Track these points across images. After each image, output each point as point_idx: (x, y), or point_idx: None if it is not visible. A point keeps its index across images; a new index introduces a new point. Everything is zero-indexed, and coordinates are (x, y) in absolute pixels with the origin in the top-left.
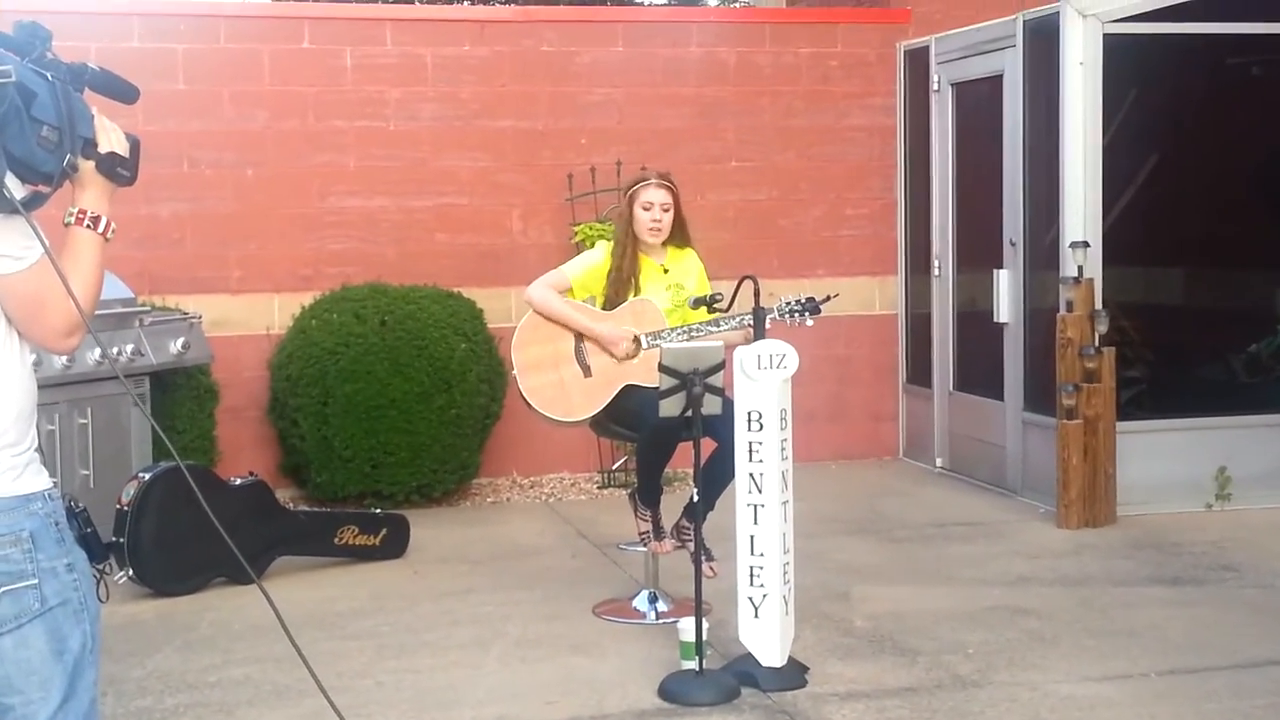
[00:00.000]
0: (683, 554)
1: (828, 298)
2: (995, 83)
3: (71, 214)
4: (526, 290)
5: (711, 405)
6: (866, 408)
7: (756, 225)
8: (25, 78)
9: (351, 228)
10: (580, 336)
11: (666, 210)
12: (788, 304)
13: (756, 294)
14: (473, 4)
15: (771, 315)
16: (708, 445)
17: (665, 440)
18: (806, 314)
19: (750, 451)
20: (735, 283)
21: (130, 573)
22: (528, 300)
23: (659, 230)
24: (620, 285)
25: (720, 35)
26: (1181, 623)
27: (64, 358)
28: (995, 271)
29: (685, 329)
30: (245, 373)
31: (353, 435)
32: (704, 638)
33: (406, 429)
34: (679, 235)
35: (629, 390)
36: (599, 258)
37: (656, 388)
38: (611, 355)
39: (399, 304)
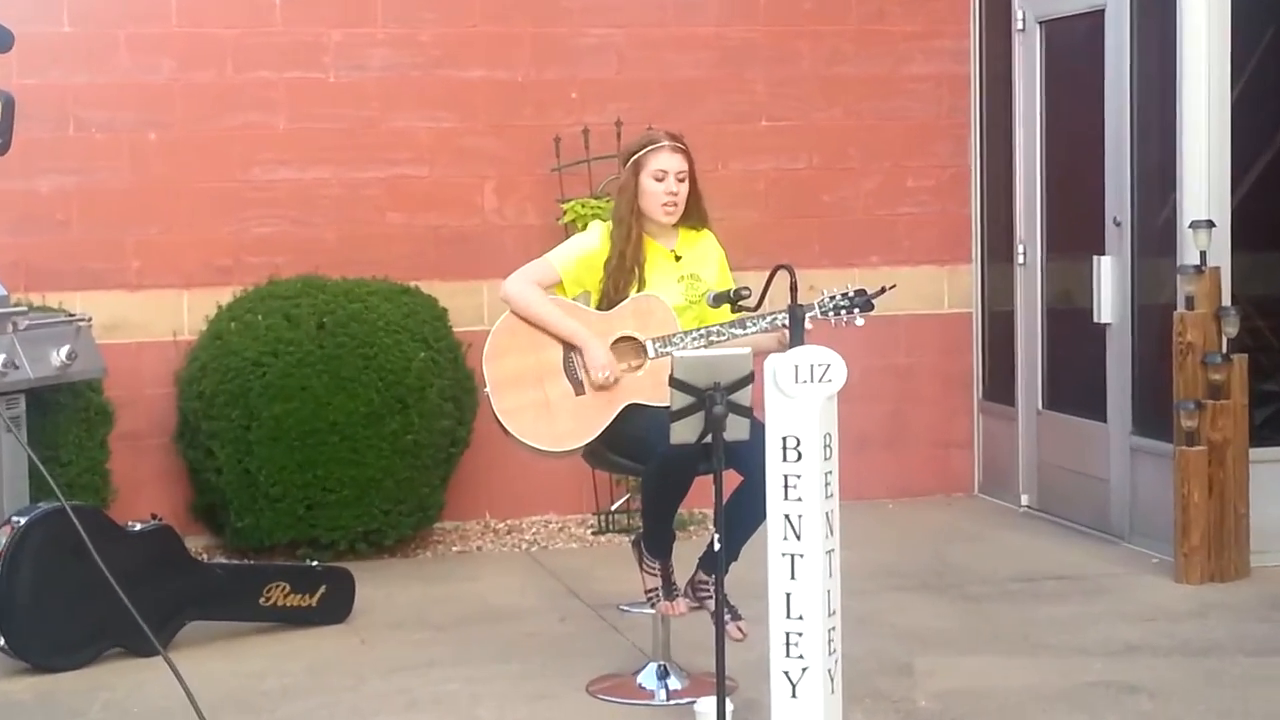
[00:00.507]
0: (700, 616)
1: (882, 290)
2: (1095, 19)
3: None
4: (503, 285)
5: (736, 429)
6: (932, 431)
7: (793, 201)
8: None
9: (281, 206)
10: (570, 345)
11: (682, 181)
12: (832, 299)
13: (793, 287)
14: None
15: (812, 313)
16: (731, 479)
17: (678, 473)
18: (856, 311)
19: (786, 487)
20: (766, 274)
21: (1, 642)
22: (504, 298)
23: (673, 207)
24: (621, 277)
25: None
26: None
27: None
28: (1095, 259)
29: (703, 332)
30: (147, 389)
31: (283, 468)
32: None
33: (351, 460)
34: (694, 214)
35: (632, 411)
36: (594, 243)
37: (667, 407)
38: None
39: (341, 302)
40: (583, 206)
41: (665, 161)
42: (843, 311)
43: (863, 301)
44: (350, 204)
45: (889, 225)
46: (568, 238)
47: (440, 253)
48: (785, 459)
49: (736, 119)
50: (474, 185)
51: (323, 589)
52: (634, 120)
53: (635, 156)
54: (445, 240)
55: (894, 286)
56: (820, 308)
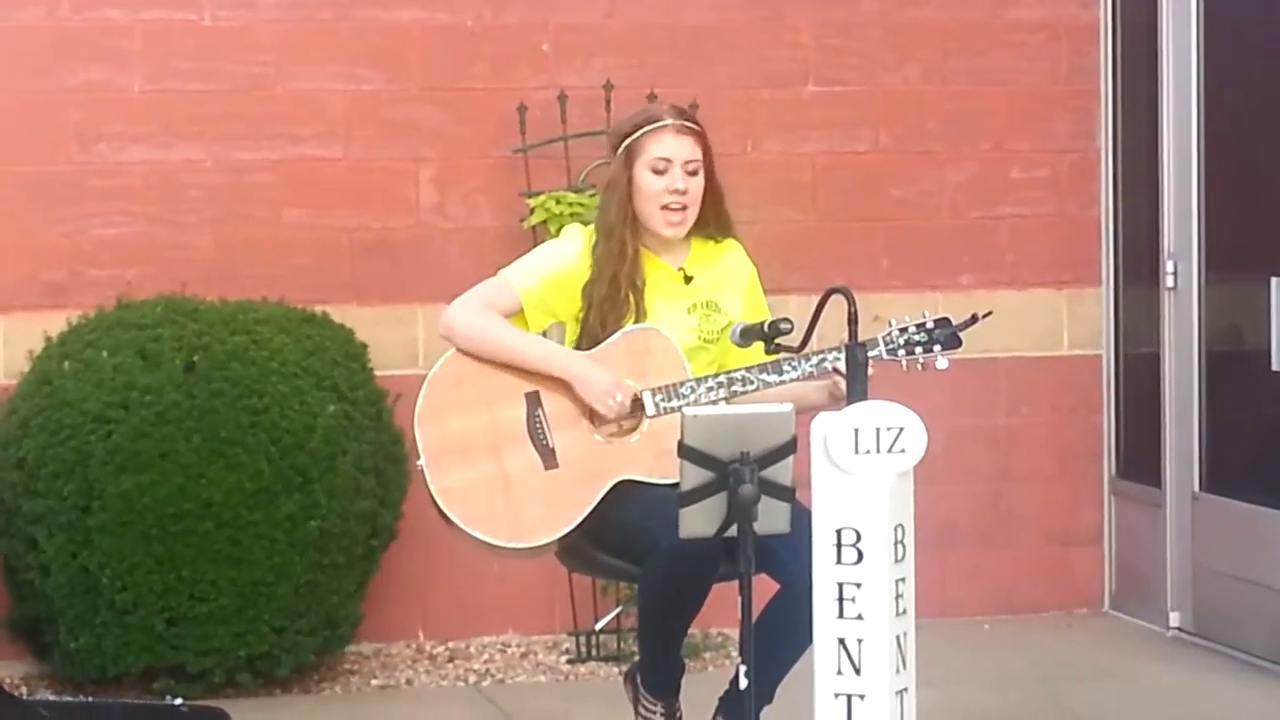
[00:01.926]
0: None
1: (974, 319)
2: None
3: None
4: (445, 312)
5: (772, 518)
6: (1046, 522)
7: (851, 197)
8: None
9: (136, 199)
10: (537, 396)
11: (693, 172)
12: (904, 332)
13: (852, 318)
14: None
15: (877, 353)
16: (764, 587)
17: (689, 580)
18: (937, 350)
19: (840, 600)
20: (814, 300)
21: None
22: (445, 330)
23: (680, 212)
24: (609, 307)
25: None
26: None
27: None
28: (1274, 281)
29: (724, 380)
30: None
31: (135, 567)
32: None
33: (230, 555)
34: (712, 219)
35: (625, 492)
36: (571, 256)
37: (673, 486)
38: (594, 427)
39: (218, 334)
40: (557, 203)
41: (669, 147)
42: (919, 350)
43: (946, 336)
44: (232, 196)
45: (985, 232)
46: (535, 246)
47: (358, 266)
48: (840, 561)
49: (773, 82)
50: (405, 172)
51: None
52: (629, 83)
53: (628, 140)
54: (365, 249)
55: (990, 315)
56: (888, 345)
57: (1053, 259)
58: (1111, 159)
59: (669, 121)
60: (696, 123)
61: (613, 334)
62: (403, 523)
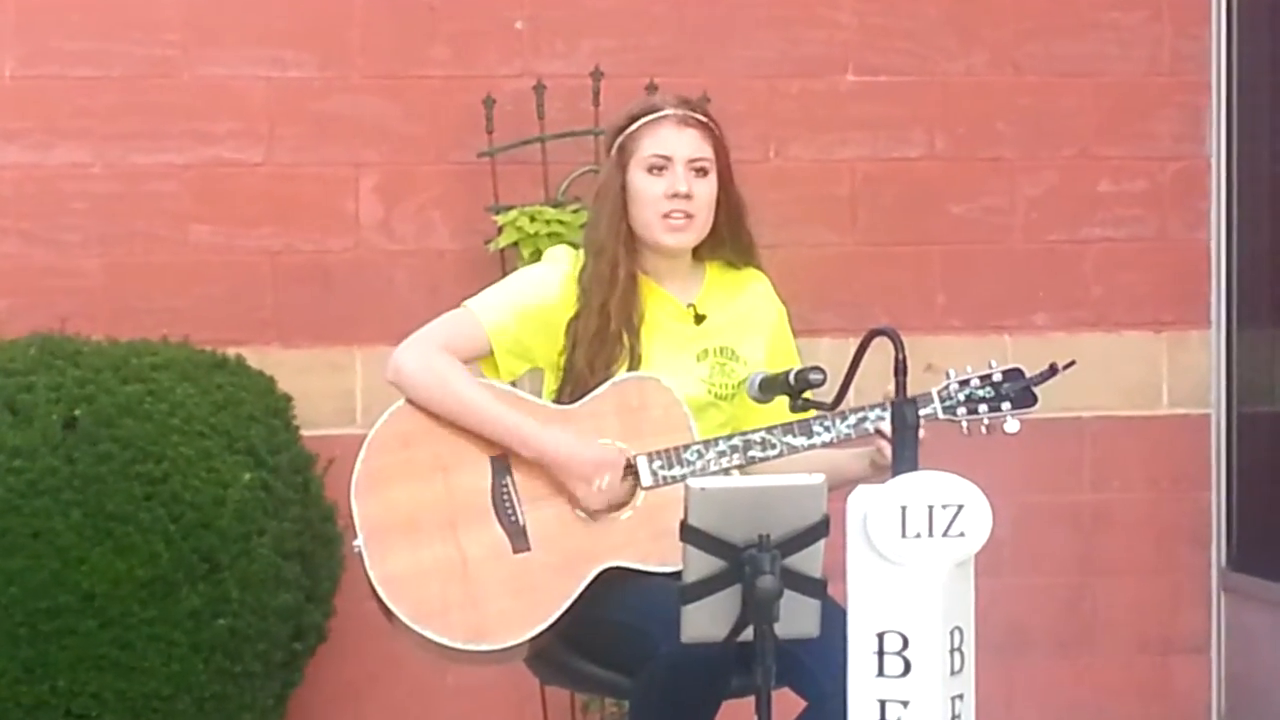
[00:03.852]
0: None
1: (1053, 370)
2: None
3: None
4: (395, 353)
5: (798, 618)
6: (1140, 624)
7: (900, 215)
8: None
9: (3, 211)
10: (505, 461)
11: (702, 173)
12: (964, 385)
13: (900, 367)
14: None
15: (930, 412)
16: (785, 705)
17: (693, 694)
18: (1006, 408)
19: None
20: (852, 344)
21: None
22: (394, 375)
23: (683, 219)
24: (599, 344)
25: None
26: None
27: None
28: None
29: (739, 443)
30: None
31: None
32: None
33: (118, 662)
34: (730, 237)
35: (612, 582)
36: (553, 287)
37: (674, 575)
38: (574, 502)
39: (106, 382)
40: (531, 220)
41: (669, 140)
42: (983, 409)
43: (1018, 392)
44: (126, 209)
45: (1067, 260)
46: (503, 273)
47: (282, 298)
48: (882, 673)
49: (803, 70)
50: (343, 180)
51: None
52: (622, 71)
53: (621, 136)
54: (292, 276)
55: (1073, 365)
56: (945, 402)
57: (1151, 294)
58: (1225, 169)
59: (669, 111)
60: (707, 114)
61: (602, 382)
62: (334, 621)
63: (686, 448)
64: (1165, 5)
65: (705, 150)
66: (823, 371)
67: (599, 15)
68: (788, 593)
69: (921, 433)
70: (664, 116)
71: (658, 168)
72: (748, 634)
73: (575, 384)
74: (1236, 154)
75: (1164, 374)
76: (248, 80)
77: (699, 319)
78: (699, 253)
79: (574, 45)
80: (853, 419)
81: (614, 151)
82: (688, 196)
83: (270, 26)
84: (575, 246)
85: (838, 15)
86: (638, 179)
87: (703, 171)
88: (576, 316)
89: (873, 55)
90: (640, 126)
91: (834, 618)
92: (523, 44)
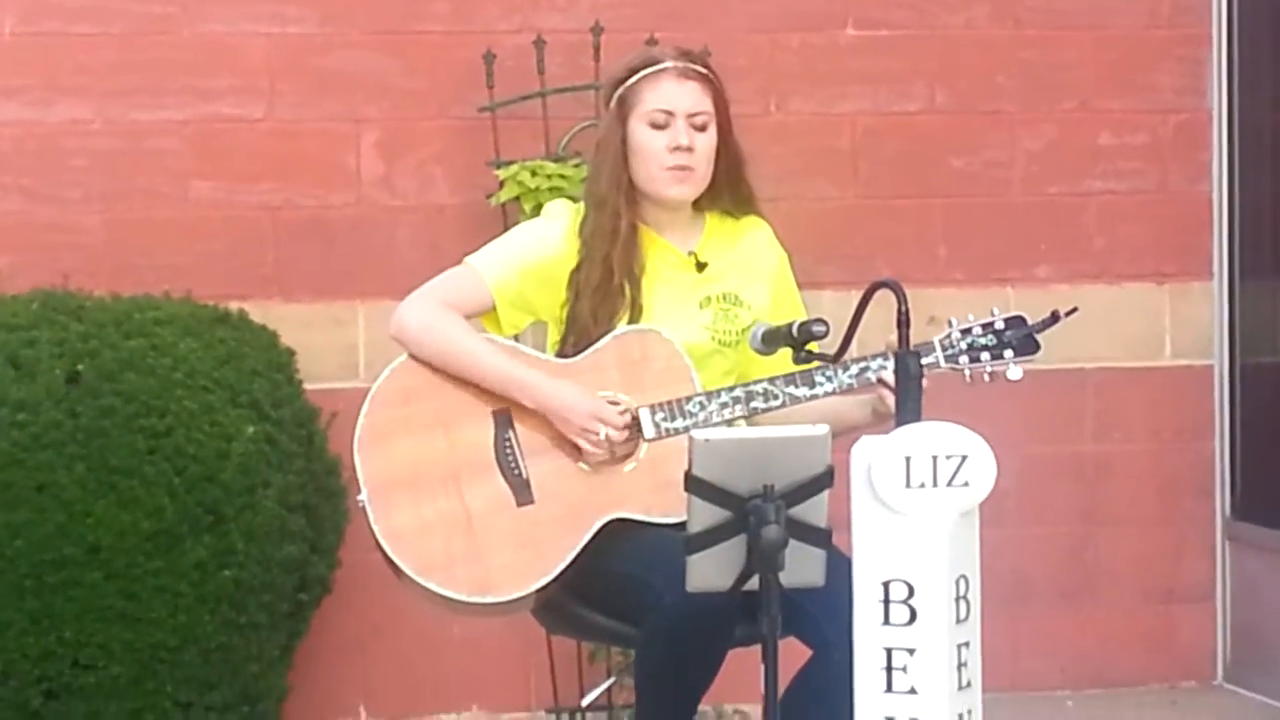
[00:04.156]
0: None
1: (1054, 318)
2: None
3: None
4: (398, 309)
5: (803, 567)
6: (1144, 573)
7: (901, 168)
8: None
9: (5, 168)
10: (508, 415)
11: (701, 127)
12: (966, 334)
13: (902, 319)
14: None
15: (932, 361)
16: (794, 653)
17: (698, 644)
18: (1008, 356)
19: (889, 670)
20: (855, 296)
21: None
22: (397, 330)
23: (685, 172)
24: (602, 296)
25: None
26: None
27: None
28: None
29: (741, 394)
30: None
31: (5, 626)
32: None
33: (124, 613)
34: (729, 187)
35: (618, 534)
36: (555, 241)
37: (678, 526)
38: (576, 454)
39: (109, 337)
40: (532, 175)
41: (670, 94)
42: (986, 357)
43: (1020, 339)
44: (127, 165)
45: (1068, 212)
46: (504, 228)
47: (284, 253)
48: (888, 621)
49: (803, 23)
50: (344, 135)
51: None
52: (622, 26)
53: (620, 89)
54: (293, 231)
55: (1075, 312)
56: (947, 351)
57: (1153, 246)
58: (1226, 121)
59: (670, 64)
60: (707, 66)
61: (604, 334)
62: (339, 573)
63: (689, 399)
64: None
65: (705, 103)
66: (825, 324)
67: None
68: (793, 542)
69: (925, 383)
70: (664, 69)
71: (659, 124)
72: (753, 584)
73: (579, 334)
74: (1238, 106)
75: (1166, 325)
76: (248, 36)
77: (700, 266)
78: (698, 203)
79: (574, 1)
80: (855, 368)
81: (613, 104)
82: (689, 149)
83: None
84: (575, 200)
85: None
86: (639, 132)
87: (703, 125)
88: (579, 268)
89: (873, 9)
90: (640, 79)
91: (839, 567)
92: (522, 0)
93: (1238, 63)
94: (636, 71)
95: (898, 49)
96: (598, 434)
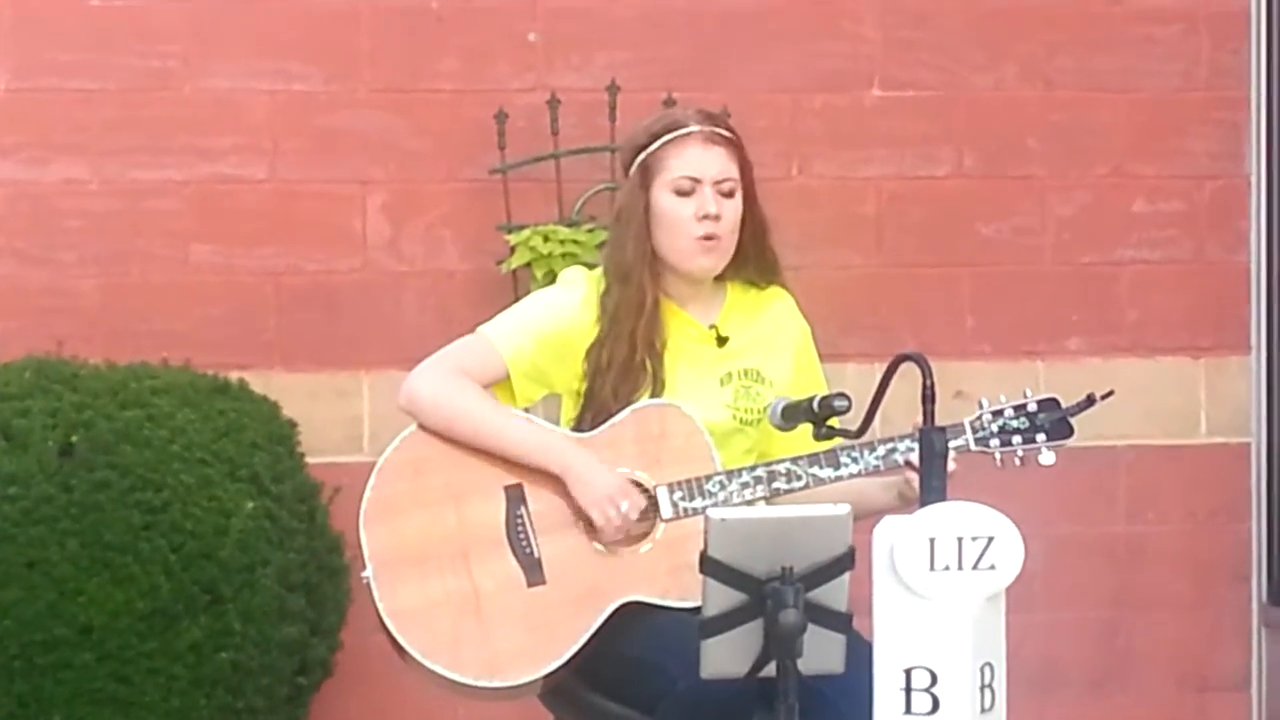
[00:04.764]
0: None
1: (1090, 401)
2: None
3: None
4: (409, 378)
5: (821, 653)
6: (1177, 660)
7: (927, 236)
8: None
9: None
10: (520, 491)
11: (728, 194)
12: (997, 416)
13: (928, 394)
14: None
15: (961, 443)
16: None
17: None
18: (1040, 439)
19: None
20: (878, 370)
21: None
22: (408, 400)
23: (714, 241)
24: (625, 373)
25: None
26: None
27: None
28: None
29: (762, 474)
30: None
31: None
32: None
33: (116, 696)
34: (754, 256)
35: (630, 617)
36: (571, 310)
37: (693, 611)
38: (591, 534)
39: (104, 407)
40: (545, 240)
41: (696, 160)
42: (1017, 441)
43: (1054, 423)
44: (124, 227)
45: (1101, 282)
46: (515, 295)
47: (286, 321)
48: (910, 710)
49: (827, 84)
50: (350, 198)
51: None
52: (639, 85)
53: (643, 155)
54: (296, 297)
55: (1110, 395)
56: (977, 433)
57: (1188, 318)
58: (1265, 188)
59: (695, 128)
60: (731, 130)
61: (622, 409)
62: (341, 655)
63: (708, 478)
64: (1202, 17)
65: (732, 169)
66: (848, 398)
67: (615, 27)
68: (811, 627)
69: (951, 464)
70: (690, 134)
71: (685, 190)
72: (770, 670)
73: (597, 412)
74: (1277, 172)
75: (1202, 401)
76: (251, 93)
77: (721, 341)
78: (721, 274)
79: (589, 58)
80: (881, 450)
81: (634, 171)
82: (717, 218)
83: (274, 37)
84: (590, 267)
85: (861, 28)
86: (664, 200)
87: (730, 192)
88: (600, 343)
89: (898, 69)
90: (664, 145)
91: (860, 653)
92: (536, 57)
93: (1277, 127)
94: (659, 136)
95: (924, 111)
96: (618, 509)
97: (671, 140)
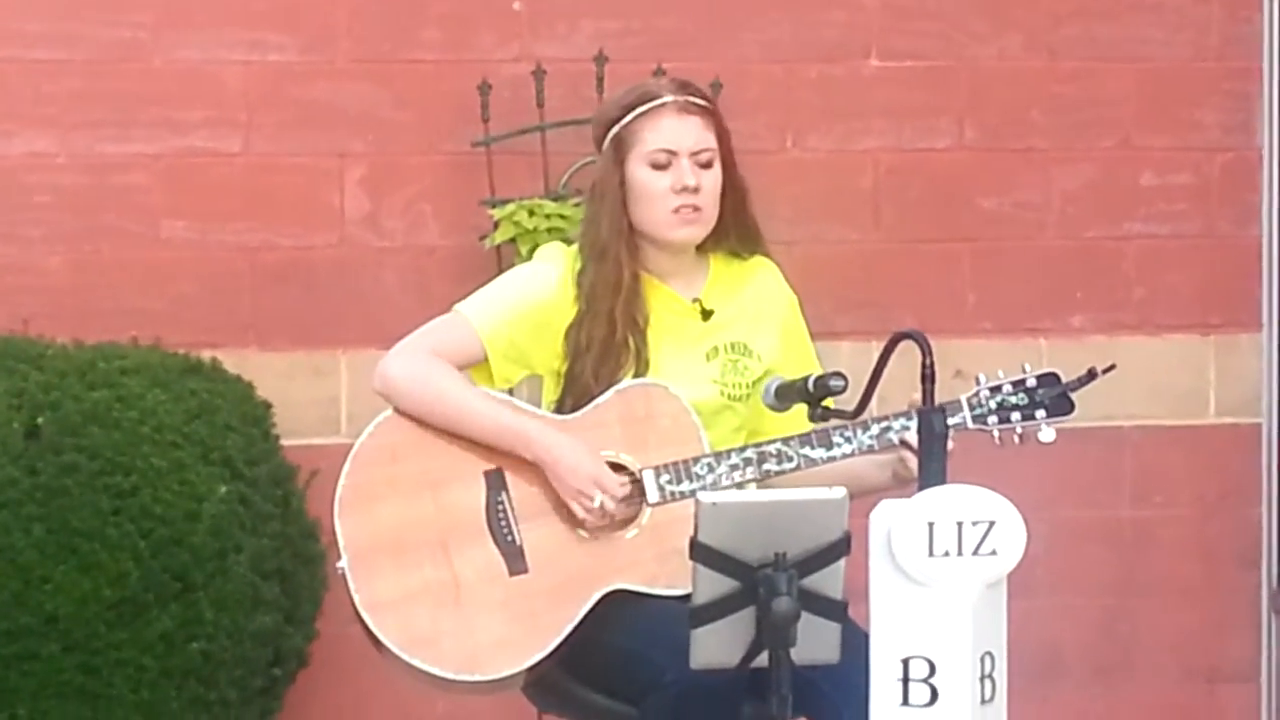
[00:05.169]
0: None
1: (1091, 375)
2: None
3: None
4: (382, 361)
5: (816, 642)
6: (1184, 649)
7: (927, 210)
8: None
9: None
10: (501, 476)
11: (706, 164)
12: (996, 392)
13: (927, 372)
14: None
15: (959, 421)
16: None
17: None
18: (1041, 416)
19: None
20: (875, 347)
21: None
22: (382, 383)
23: (694, 213)
24: (606, 352)
25: None
26: None
27: None
28: None
29: (752, 455)
30: None
31: None
32: None
33: (84, 688)
34: (734, 225)
35: (616, 606)
36: (549, 287)
37: (681, 599)
38: (575, 520)
39: (72, 387)
40: (530, 215)
41: (671, 132)
42: (1016, 417)
43: (1054, 398)
44: (93, 202)
45: (1106, 257)
46: (500, 272)
47: (261, 298)
48: (907, 701)
49: (822, 54)
50: (327, 171)
51: None
52: (628, 55)
53: (616, 128)
54: (271, 274)
55: (1113, 368)
56: (975, 410)
57: (1197, 294)
58: (1277, 161)
59: (668, 99)
60: (706, 97)
61: (605, 390)
62: (316, 645)
63: (696, 460)
64: None
65: (709, 139)
66: (844, 378)
67: None
68: (805, 615)
69: (951, 443)
70: (663, 105)
71: (661, 164)
72: (762, 660)
73: (579, 394)
74: None
75: (1211, 380)
76: (223, 64)
77: (706, 314)
78: (702, 245)
79: (575, 27)
80: (875, 429)
81: (608, 145)
82: (695, 189)
83: (248, 6)
84: (569, 243)
85: None
86: (640, 174)
87: (708, 162)
88: (578, 323)
89: (897, 38)
90: (637, 118)
91: (855, 642)
92: (520, 25)
93: None
94: (632, 109)
95: (923, 81)
96: (592, 499)
97: (645, 113)
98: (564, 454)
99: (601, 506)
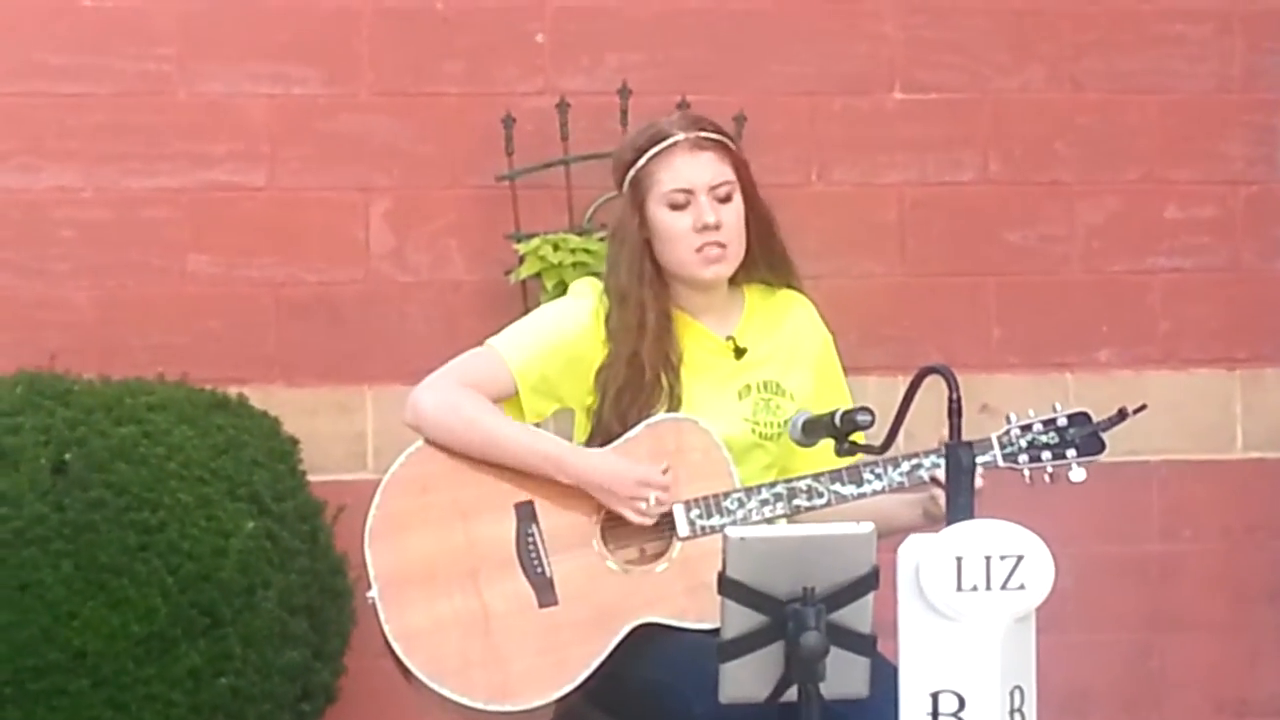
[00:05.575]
0: None
1: (1121, 415)
2: None
3: None
4: (414, 392)
5: (845, 677)
6: (1213, 684)
7: (952, 244)
8: None
9: None
10: (531, 508)
11: (725, 199)
12: (1026, 431)
13: (954, 407)
14: None
15: (989, 458)
16: None
17: None
18: (1071, 455)
19: None
20: (902, 383)
21: None
22: (413, 415)
23: (719, 249)
24: (632, 394)
25: None
26: None
27: None
28: None
29: (783, 490)
30: None
31: None
32: None
33: None
34: (763, 255)
35: (645, 639)
36: (582, 322)
37: (710, 633)
38: (604, 552)
39: (99, 423)
40: (555, 249)
41: (685, 170)
42: (1047, 456)
43: (1085, 438)
44: (118, 237)
45: (1131, 291)
46: (525, 306)
47: (286, 334)
48: None
49: (846, 86)
50: (352, 206)
51: None
52: (652, 87)
53: (631, 171)
54: (297, 309)
55: (1143, 409)
56: (1005, 449)
57: (1223, 328)
58: None
59: (679, 137)
60: (719, 130)
61: (635, 425)
62: (345, 680)
63: (727, 495)
64: (1236, 16)
65: (725, 172)
66: (871, 413)
67: (626, 28)
68: (834, 650)
69: (979, 481)
70: (674, 144)
71: (679, 204)
72: (791, 695)
73: (604, 432)
74: None
75: (1238, 415)
76: (248, 97)
77: (739, 352)
78: (734, 278)
79: (599, 59)
80: (906, 466)
81: (625, 188)
82: (717, 226)
83: (272, 40)
84: (599, 276)
85: (883, 28)
86: (660, 216)
87: (726, 196)
88: (606, 366)
89: (921, 71)
90: (651, 160)
91: (884, 677)
92: (544, 59)
93: None
94: (644, 151)
95: (948, 114)
96: (647, 500)
97: (658, 153)
98: (600, 467)
99: (658, 502)
